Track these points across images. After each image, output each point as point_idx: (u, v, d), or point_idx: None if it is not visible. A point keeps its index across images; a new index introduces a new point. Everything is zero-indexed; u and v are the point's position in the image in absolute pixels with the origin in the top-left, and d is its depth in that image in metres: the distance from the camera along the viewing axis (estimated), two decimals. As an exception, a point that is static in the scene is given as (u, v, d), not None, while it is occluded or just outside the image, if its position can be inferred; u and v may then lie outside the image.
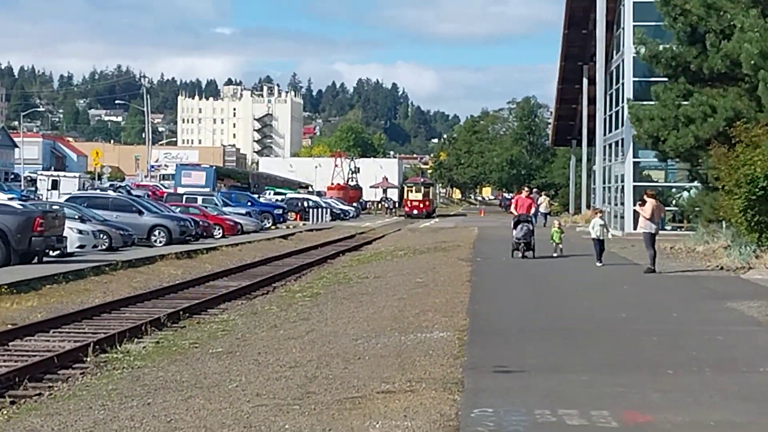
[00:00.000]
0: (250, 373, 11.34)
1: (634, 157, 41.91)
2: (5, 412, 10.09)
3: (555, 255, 26.80)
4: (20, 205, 29.36)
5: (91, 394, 10.64)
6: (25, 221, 24.44)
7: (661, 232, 25.03)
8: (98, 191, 54.13)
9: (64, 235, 26.96)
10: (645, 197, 23.37)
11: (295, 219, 64.66)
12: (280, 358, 12.35)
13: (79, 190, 57.49)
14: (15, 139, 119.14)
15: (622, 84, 43.09)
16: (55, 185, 62.79)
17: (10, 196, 49.06)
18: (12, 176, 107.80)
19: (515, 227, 26.38)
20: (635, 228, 41.38)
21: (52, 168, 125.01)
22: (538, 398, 9.32)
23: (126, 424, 8.83)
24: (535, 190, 51.03)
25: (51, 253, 26.51)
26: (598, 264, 23.91)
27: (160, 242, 35.34)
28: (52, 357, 12.71)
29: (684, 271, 23.85)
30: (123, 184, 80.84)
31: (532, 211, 27.67)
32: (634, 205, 40.98)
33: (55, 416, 9.40)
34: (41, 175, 72.36)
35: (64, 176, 68.39)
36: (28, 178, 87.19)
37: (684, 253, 30.08)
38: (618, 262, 25.55)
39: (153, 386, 10.82)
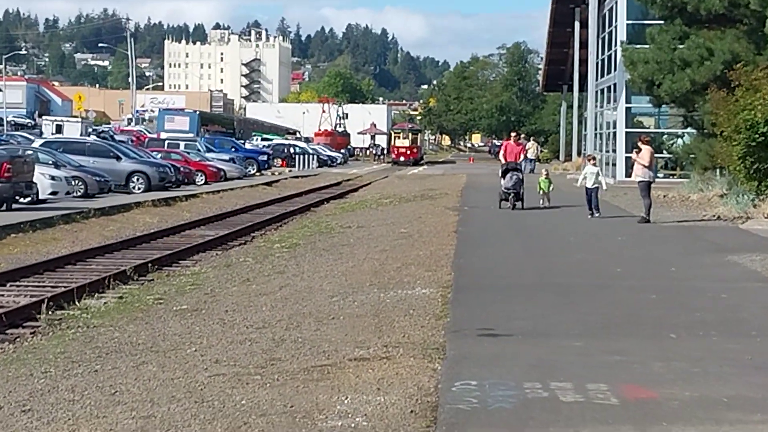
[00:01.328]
0: (213, 334, 10.37)
1: (626, 102, 40.81)
2: (-65, 379, 9.10)
3: (543, 205, 25.65)
4: (-12, 150, 28.17)
5: (36, 358, 9.65)
6: (-9, 166, 23.31)
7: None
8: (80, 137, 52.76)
9: (35, 181, 25.85)
10: (640, 144, 22.25)
11: (282, 165, 63.56)
12: (248, 317, 11.38)
13: (81, 135, 56.02)
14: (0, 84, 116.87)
15: (616, 26, 41.85)
16: (59, 129, 61.38)
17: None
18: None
19: (503, 176, 24.88)
20: (628, 176, 40.60)
21: (36, 112, 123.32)
22: (527, 368, 8.37)
23: (65, 396, 7.85)
24: (523, 136, 49.82)
25: (21, 200, 25.39)
26: (590, 216, 22.77)
27: (139, 189, 34.22)
28: (0, 314, 11.69)
29: (680, 221, 22.88)
30: (106, 128, 79.31)
31: (521, 158, 26.28)
32: (627, 151, 40.21)
33: (-12, 385, 8.42)
34: (46, 119, 70.76)
35: (68, 121, 66.83)
36: (12, 123, 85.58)
37: (678, 201, 29.18)
38: (611, 212, 24.54)
39: (105, 349, 9.84)
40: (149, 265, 16.69)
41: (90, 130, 65.87)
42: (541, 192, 25.85)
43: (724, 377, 8.03)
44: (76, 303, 13.15)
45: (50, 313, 12.39)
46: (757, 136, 22.78)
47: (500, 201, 25.12)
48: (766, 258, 15.66)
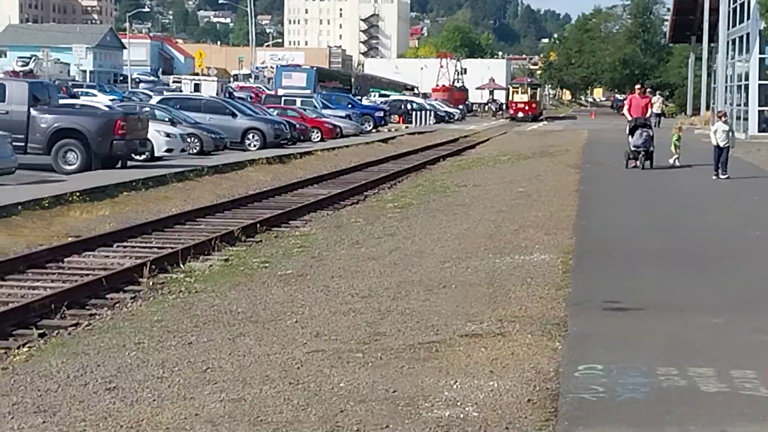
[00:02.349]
0: (316, 303, 9.72)
1: (760, 53, 38.58)
2: (28, 348, 8.70)
3: (674, 164, 24.10)
4: (106, 107, 28.20)
5: (132, 326, 9.16)
6: (106, 123, 23.11)
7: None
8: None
9: (150, 138, 25.72)
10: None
11: (398, 122, 62.74)
12: (354, 284, 10.69)
13: (217, 94, 56.23)
14: (123, 41, 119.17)
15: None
16: (197, 88, 61.92)
17: (111, 97, 48.46)
18: (120, 78, 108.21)
19: (632, 133, 23.02)
20: (761, 131, 38.50)
21: (160, 70, 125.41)
22: (660, 350, 7.46)
23: (154, 372, 7.30)
24: (648, 90, 47.74)
25: (136, 157, 25.30)
26: (715, 177, 20.93)
27: (254, 146, 33.90)
28: (97, 278, 11.28)
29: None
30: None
31: (648, 113, 24.61)
32: (760, 105, 38.05)
33: (79, 356, 7.95)
34: (185, 78, 71.56)
35: (205, 79, 67.35)
36: (137, 80, 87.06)
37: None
38: (744, 171, 22.99)
39: (203, 318, 9.28)
40: (258, 225, 16.17)
41: (226, 87, 66.01)
42: (674, 149, 24.32)
43: None
44: (181, 266, 12.69)
45: (153, 276, 11.96)
46: None
47: (627, 160, 23.44)
48: None
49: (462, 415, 6.05)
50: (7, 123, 21.61)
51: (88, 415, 6.29)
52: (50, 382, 7.16)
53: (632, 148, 23.28)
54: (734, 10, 44.45)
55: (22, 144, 22.05)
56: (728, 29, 45.50)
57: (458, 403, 6.29)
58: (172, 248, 13.83)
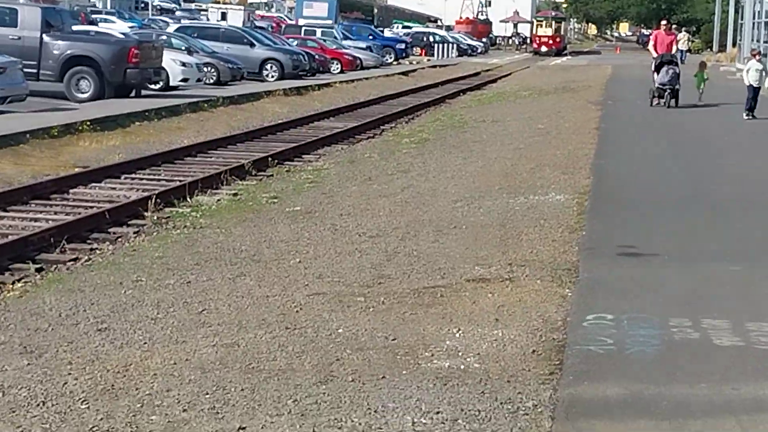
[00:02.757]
0: (322, 242, 9.44)
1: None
2: (23, 284, 8.47)
3: (698, 101, 23.53)
4: (121, 34, 27.75)
5: (131, 262, 8.93)
6: (119, 51, 22.67)
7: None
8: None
9: (165, 67, 25.34)
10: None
11: (420, 54, 61.87)
12: (363, 223, 10.41)
13: (244, 23, 55.41)
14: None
15: None
16: (223, 17, 61.11)
17: (131, 24, 47.83)
18: (142, 5, 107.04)
19: (657, 70, 22.42)
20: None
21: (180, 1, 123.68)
22: (674, 299, 7.18)
23: (148, 312, 7.07)
24: (674, 26, 46.74)
25: (151, 86, 24.95)
26: (746, 117, 20.45)
27: (272, 77, 33.46)
28: (101, 211, 11.02)
29: None
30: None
31: (674, 49, 23.93)
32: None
33: (74, 294, 7.73)
34: (211, 7, 70.64)
35: (231, 8, 66.46)
36: (158, 7, 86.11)
37: None
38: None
39: (205, 256, 9.03)
40: (270, 159, 15.86)
41: (252, 17, 65.09)
42: (700, 87, 23.74)
43: None
44: (188, 200, 12.42)
45: (159, 210, 11.69)
46: None
47: (652, 98, 22.86)
48: None
49: (462, 367, 5.79)
50: (19, 49, 21.23)
51: (76, 357, 6.07)
52: (41, 320, 6.94)
53: (657, 86, 22.68)
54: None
55: (35, 71, 21.70)
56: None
57: (459, 354, 6.03)
58: (180, 181, 13.55)
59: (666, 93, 22.45)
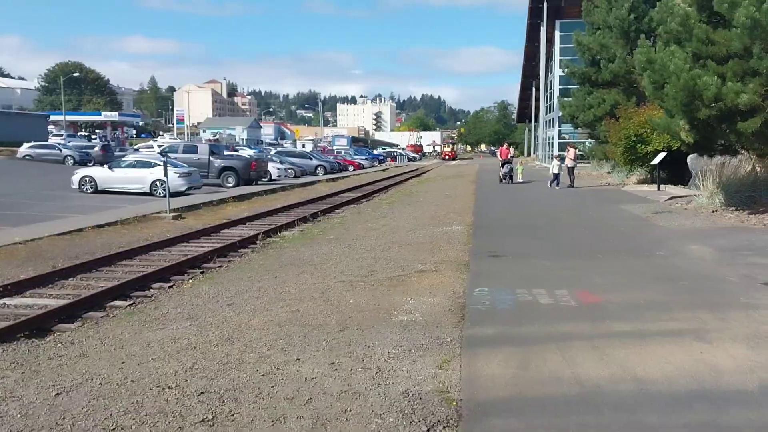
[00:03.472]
0: (343, 254, 8.86)
1: (559, 126, 37.46)
2: (192, 280, 7.85)
3: (520, 180, 23.16)
4: (248, 155, 27.18)
5: (248, 267, 8.32)
6: (247, 163, 22.23)
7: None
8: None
9: (269, 170, 24.76)
10: (568, 147, 19.71)
11: (390, 162, 61.34)
12: (364, 243, 9.82)
13: (313, 148, 54.00)
14: (261, 124, 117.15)
15: (554, 89, 38.25)
16: (304, 146, 59.68)
17: (252, 151, 47.11)
18: (260, 143, 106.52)
19: (502, 166, 22.25)
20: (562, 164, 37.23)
21: (279, 139, 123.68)
22: (517, 279, 6.61)
23: (254, 294, 6.47)
24: (508, 144, 46.60)
25: (263, 179, 24.34)
26: (550, 187, 19.66)
27: (320, 173, 32.91)
28: (235, 241, 10.41)
29: (590, 186, 20.28)
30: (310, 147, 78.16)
31: (509, 155, 23.63)
32: (560, 150, 36.91)
33: (218, 284, 7.11)
34: (299, 141, 69.03)
35: (307, 139, 65.13)
36: (266, 142, 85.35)
37: (586, 176, 26.23)
38: (561, 186, 21.94)
39: (285, 262, 8.43)
40: (319, 213, 15.27)
41: (319, 148, 64.33)
42: (520, 173, 23.42)
43: (638, 286, 6.13)
44: (278, 234, 11.83)
45: (263, 239, 11.09)
46: (629, 142, 20.03)
47: (500, 179, 22.47)
48: (640, 206, 13.33)
49: (413, 319, 5.23)
50: (198, 164, 20.74)
51: (215, 320, 5.47)
52: (199, 299, 6.33)
53: (502, 174, 22.42)
54: (548, 106, 43.24)
55: (206, 174, 21.15)
56: (545, 115, 44.37)
57: (411, 312, 5.46)
58: (275, 225, 12.94)
59: (507, 177, 22.12)
